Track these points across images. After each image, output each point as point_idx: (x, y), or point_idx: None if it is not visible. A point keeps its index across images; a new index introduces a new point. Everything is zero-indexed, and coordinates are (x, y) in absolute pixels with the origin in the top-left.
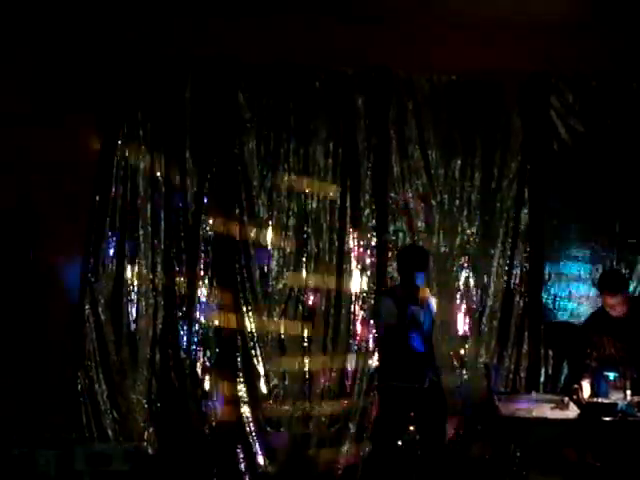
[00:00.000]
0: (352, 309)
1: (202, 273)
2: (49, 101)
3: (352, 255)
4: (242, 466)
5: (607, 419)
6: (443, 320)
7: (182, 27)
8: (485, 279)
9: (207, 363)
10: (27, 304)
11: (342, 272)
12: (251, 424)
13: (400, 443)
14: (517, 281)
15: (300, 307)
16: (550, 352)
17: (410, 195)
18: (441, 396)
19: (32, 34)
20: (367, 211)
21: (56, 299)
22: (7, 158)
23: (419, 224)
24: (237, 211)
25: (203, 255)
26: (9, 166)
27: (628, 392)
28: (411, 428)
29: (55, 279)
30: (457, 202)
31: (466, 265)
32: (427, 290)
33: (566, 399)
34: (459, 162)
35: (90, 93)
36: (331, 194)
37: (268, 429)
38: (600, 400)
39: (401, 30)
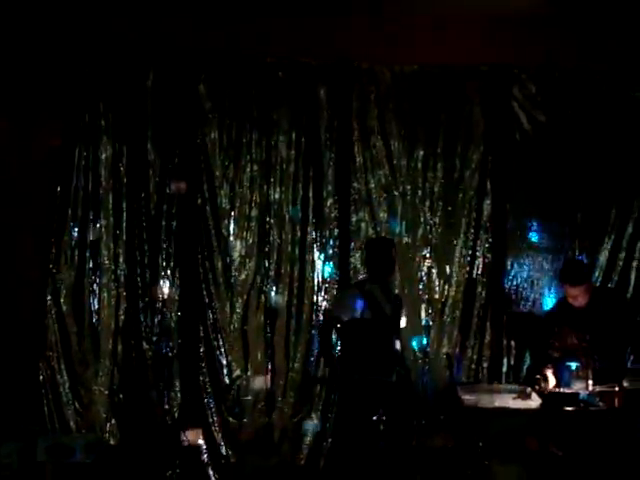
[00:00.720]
0: (315, 299)
1: (164, 264)
2: (10, 93)
3: (315, 246)
4: (205, 457)
5: (569, 409)
6: (406, 310)
7: (144, 18)
8: (447, 269)
9: (169, 354)
10: None
11: (305, 263)
12: (214, 415)
13: (364, 436)
14: (479, 271)
15: (263, 298)
16: (512, 342)
17: (373, 186)
18: (409, 390)
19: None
20: (330, 202)
21: (17, 290)
22: None
23: (382, 215)
24: (199, 202)
25: (165, 246)
26: None
27: (590, 382)
28: (375, 419)
29: (16, 270)
30: (419, 193)
31: (428, 255)
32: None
33: (528, 389)
34: (422, 153)
35: (52, 84)
36: (293, 184)
37: (231, 420)
38: (562, 390)
39: (364, 22)
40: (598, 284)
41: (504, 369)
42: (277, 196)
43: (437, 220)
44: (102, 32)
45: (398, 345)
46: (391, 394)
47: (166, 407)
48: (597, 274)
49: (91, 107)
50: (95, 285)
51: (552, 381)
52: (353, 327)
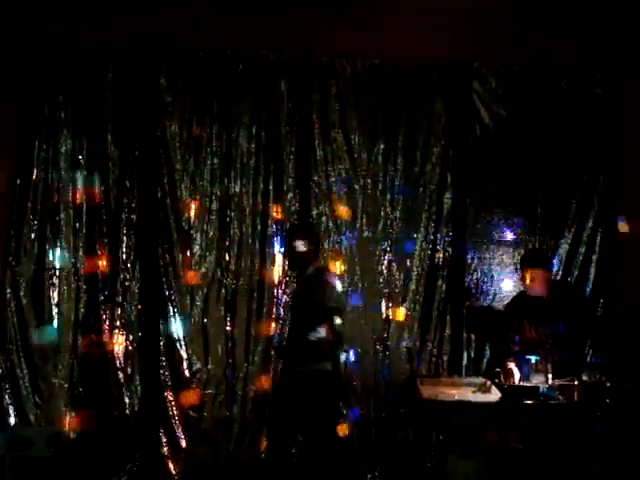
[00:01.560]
0: (275, 293)
1: (124, 257)
2: None
3: (275, 239)
4: (165, 450)
5: (529, 402)
6: (367, 304)
7: (104, 11)
8: (408, 263)
9: (129, 347)
10: None
11: (265, 256)
12: (174, 408)
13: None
14: (440, 265)
15: (223, 291)
16: (472, 336)
17: (333, 179)
18: (328, 379)
19: None
20: (290, 195)
21: None
22: None
23: (342, 208)
24: (159, 194)
25: (125, 239)
26: None
27: (549, 375)
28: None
29: None
30: (380, 186)
31: (389, 249)
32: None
33: (488, 382)
34: (382, 146)
35: (10, 76)
36: (254, 178)
37: (190, 413)
38: (522, 383)
39: (324, 15)
40: (558, 278)
41: (464, 362)
42: (237, 189)
43: (397, 214)
44: (63, 25)
45: (319, 333)
46: (305, 384)
47: (126, 400)
48: (557, 268)
49: (50, 99)
50: (55, 278)
51: (517, 374)
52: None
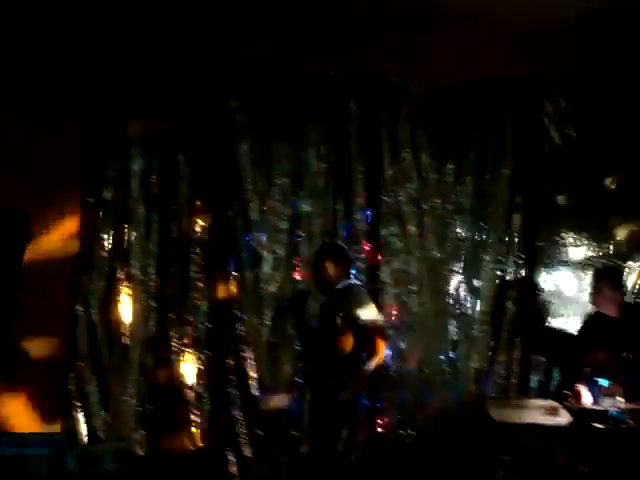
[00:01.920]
0: None
1: (194, 276)
2: (43, 106)
3: None
4: (232, 469)
5: (598, 426)
6: (435, 325)
7: (176, 32)
8: (477, 284)
9: (199, 366)
10: (19, 305)
11: None
12: (241, 427)
13: None
14: (509, 286)
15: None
16: (541, 357)
17: (402, 199)
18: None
19: (29, 37)
20: (359, 215)
21: (48, 300)
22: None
23: (411, 228)
24: (230, 214)
25: (195, 258)
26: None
27: (620, 399)
28: None
29: (47, 281)
30: (449, 206)
31: (458, 270)
32: None
33: (557, 405)
34: (451, 166)
35: (84, 96)
36: (323, 197)
37: (259, 432)
38: (592, 407)
39: (396, 36)
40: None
41: (533, 385)
42: (307, 209)
43: (467, 234)
44: (135, 45)
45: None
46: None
47: (194, 418)
48: (630, 290)
49: (123, 119)
50: (125, 296)
51: (588, 398)
52: None
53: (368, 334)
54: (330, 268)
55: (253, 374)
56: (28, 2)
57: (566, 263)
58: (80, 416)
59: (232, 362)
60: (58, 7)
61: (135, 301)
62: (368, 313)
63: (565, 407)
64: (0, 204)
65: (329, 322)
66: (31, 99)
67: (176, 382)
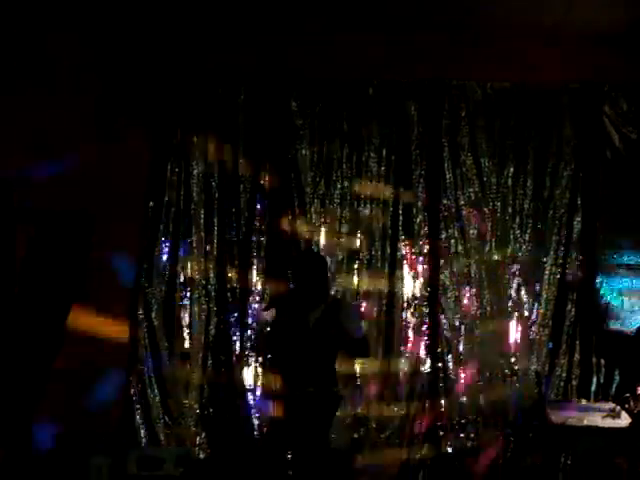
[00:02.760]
0: (404, 316)
1: (255, 279)
2: (103, 109)
3: (404, 262)
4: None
5: None
6: (495, 328)
7: (236, 37)
8: (537, 287)
9: (259, 369)
10: (82, 307)
11: (394, 278)
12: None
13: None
14: (569, 289)
15: None
16: (602, 360)
17: (462, 202)
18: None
19: (90, 48)
20: (419, 218)
21: (109, 304)
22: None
23: (471, 232)
24: (290, 217)
25: (256, 261)
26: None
27: None
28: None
29: (109, 284)
30: (509, 210)
31: (518, 273)
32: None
33: (618, 408)
34: (512, 170)
35: (146, 101)
36: (383, 201)
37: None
38: None
39: (454, 40)
40: None
41: (593, 387)
42: (367, 212)
43: (527, 237)
44: (195, 49)
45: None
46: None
47: (254, 422)
48: None
49: (183, 123)
50: (186, 300)
51: None
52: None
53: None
54: (325, 278)
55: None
56: (92, 23)
57: (626, 266)
58: (141, 419)
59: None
60: (120, 26)
61: (195, 305)
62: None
63: (625, 409)
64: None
65: (323, 334)
66: (95, 106)
67: (237, 385)
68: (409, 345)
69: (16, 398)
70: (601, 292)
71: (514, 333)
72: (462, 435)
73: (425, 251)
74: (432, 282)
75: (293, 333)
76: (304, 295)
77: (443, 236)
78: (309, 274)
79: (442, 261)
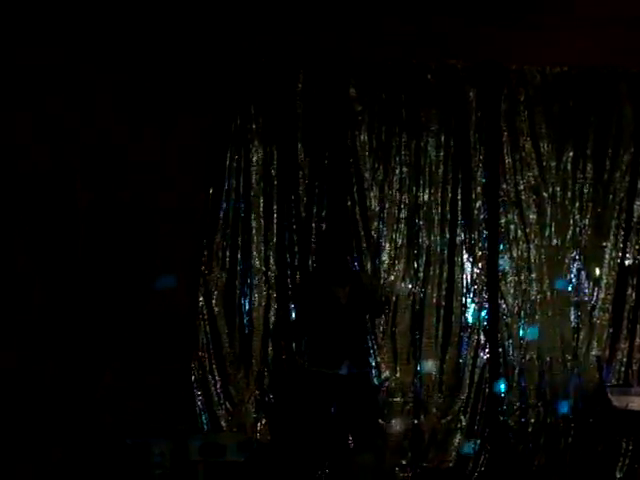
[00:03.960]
0: (463, 301)
1: (314, 265)
2: (164, 97)
3: (463, 247)
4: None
5: None
6: (555, 313)
7: (294, 23)
8: (597, 271)
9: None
10: (145, 295)
11: (453, 264)
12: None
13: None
14: (630, 273)
15: (411, 299)
16: None
17: (522, 187)
18: (363, 387)
19: (147, 36)
20: (478, 203)
21: (170, 291)
22: (122, 158)
23: (531, 216)
24: (349, 203)
25: (315, 248)
26: (124, 164)
27: None
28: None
29: (170, 271)
30: (569, 194)
31: (578, 257)
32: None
33: None
34: (571, 154)
35: (204, 88)
36: (442, 186)
37: (379, 421)
38: None
39: (514, 25)
40: None
41: None
42: (426, 198)
43: (587, 222)
44: (253, 36)
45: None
46: (341, 389)
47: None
48: None
49: (242, 110)
50: (246, 287)
51: None
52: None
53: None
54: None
55: (372, 363)
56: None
57: None
58: (202, 405)
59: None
60: (176, 15)
61: (255, 291)
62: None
63: None
64: (129, 198)
65: (357, 309)
66: (153, 94)
67: (296, 371)
68: (468, 331)
69: (80, 382)
70: None
71: (574, 318)
72: (523, 420)
73: (484, 236)
74: (491, 267)
75: (327, 312)
76: (331, 273)
77: (502, 221)
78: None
79: (501, 246)
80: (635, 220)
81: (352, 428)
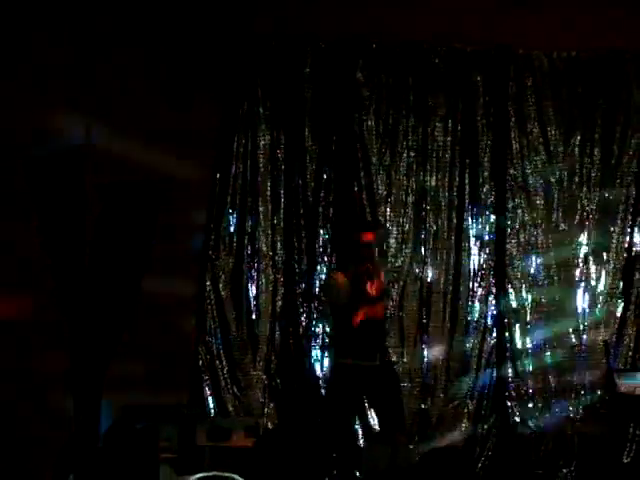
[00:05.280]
0: (470, 286)
1: (321, 250)
2: (171, 82)
3: (470, 232)
4: (362, 443)
5: None
6: (561, 297)
7: (302, 7)
8: (604, 256)
9: (326, 340)
10: (150, 279)
11: (460, 249)
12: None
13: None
14: (637, 258)
15: (419, 284)
16: None
17: (529, 172)
18: (393, 375)
19: (157, 21)
20: (486, 188)
21: (177, 275)
22: (134, 137)
23: (538, 201)
24: (356, 188)
25: (322, 232)
26: (136, 143)
27: None
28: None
29: (177, 256)
30: (576, 179)
31: (585, 242)
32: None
33: None
34: (578, 138)
35: (212, 72)
36: (450, 171)
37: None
38: None
39: (522, 9)
40: None
41: None
42: (433, 183)
43: (594, 206)
44: (261, 21)
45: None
46: (375, 379)
47: (323, 392)
48: None
49: (250, 95)
50: (253, 271)
51: None
52: (339, 311)
53: None
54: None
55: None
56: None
57: None
58: (210, 390)
59: None
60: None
61: (263, 276)
62: None
63: None
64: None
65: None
66: (164, 80)
67: (304, 356)
68: (476, 315)
69: (88, 367)
70: None
71: (581, 303)
72: (530, 405)
73: (491, 221)
74: (498, 252)
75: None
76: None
77: (510, 205)
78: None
79: (508, 231)
80: None
81: (382, 416)
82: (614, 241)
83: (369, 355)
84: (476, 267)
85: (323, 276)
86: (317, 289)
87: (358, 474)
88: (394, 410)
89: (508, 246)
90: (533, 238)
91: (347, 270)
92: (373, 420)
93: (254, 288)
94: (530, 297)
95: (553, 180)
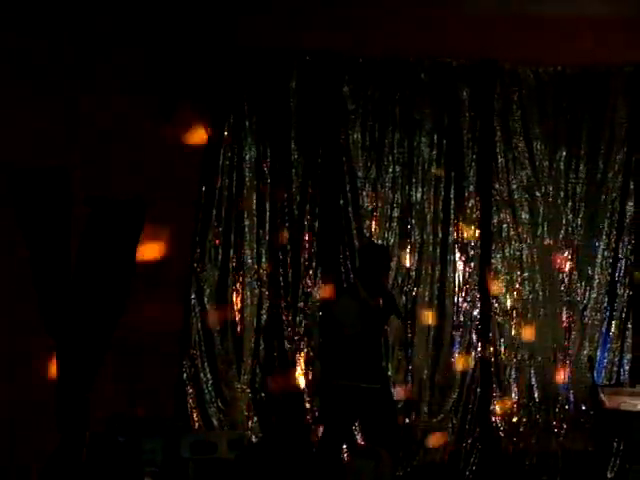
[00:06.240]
0: (455, 300)
1: (306, 263)
2: (157, 94)
3: (456, 246)
4: (345, 456)
5: None
6: (547, 312)
7: (287, 22)
8: (589, 271)
9: (311, 353)
10: (134, 293)
11: (446, 263)
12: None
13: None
14: (621, 274)
15: (403, 298)
16: None
17: (514, 187)
18: (391, 397)
19: (144, 31)
20: (471, 202)
21: (162, 288)
22: (120, 151)
23: (523, 216)
24: (341, 202)
25: (307, 246)
26: (122, 158)
27: None
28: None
29: (161, 268)
30: (562, 194)
31: (570, 257)
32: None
33: None
34: (564, 153)
35: (198, 86)
36: (435, 185)
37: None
38: None
39: (508, 23)
40: None
41: None
42: (419, 196)
43: (579, 222)
44: (246, 35)
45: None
46: (374, 400)
47: (307, 406)
48: None
49: (236, 108)
50: (238, 284)
51: None
52: (348, 336)
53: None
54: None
55: None
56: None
57: None
58: (194, 403)
59: None
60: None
61: (248, 289)
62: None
63: None
64: (118, 192)
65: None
66: (146, 91)
67: (289, 369)
68: (460, 330)
69: (73, 381)
70: None
71: (566, 317)
72: (514, 420)
73: (477, 235)
74: (484, 266)
75: (365, 328)
76: (368, 286)
77: (495, 220)
78: (374, 266)
79: (494, 245)
80: (627, 220)
81: (375, 435)
82: (599, 256)
83: (371, 377)
84: (461, 281)
85: (309, 289)
86: (302, 303)
87: None
88: (389, 432)
89: (493, 261)
90: (518, 252)
91: (357, 295)
92: (357, 434)
93: (239, 301)
94: (515, 312)
95: (538, 195)
